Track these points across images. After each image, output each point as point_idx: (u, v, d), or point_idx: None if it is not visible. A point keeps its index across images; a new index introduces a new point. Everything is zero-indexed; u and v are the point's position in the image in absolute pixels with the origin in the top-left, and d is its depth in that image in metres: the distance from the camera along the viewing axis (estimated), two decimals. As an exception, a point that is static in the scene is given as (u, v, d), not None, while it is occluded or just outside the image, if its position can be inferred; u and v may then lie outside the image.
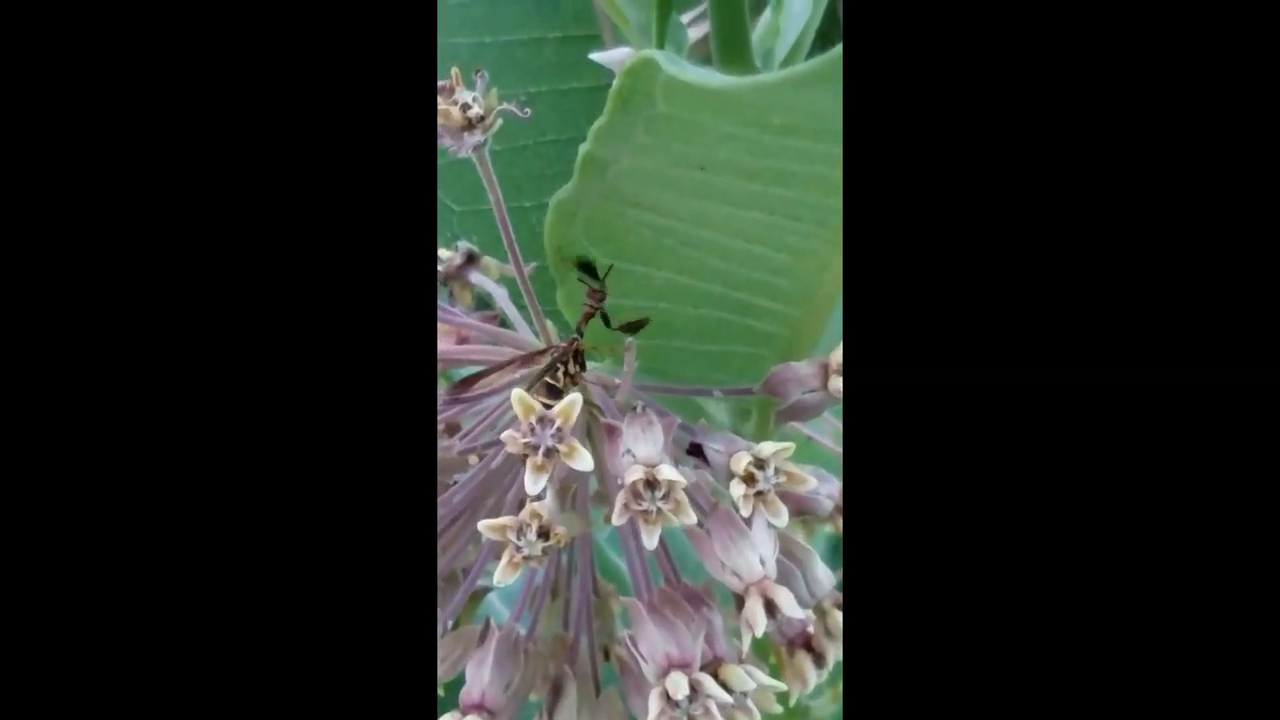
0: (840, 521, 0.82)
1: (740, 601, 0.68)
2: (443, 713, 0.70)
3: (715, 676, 0.67)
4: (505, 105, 0.74)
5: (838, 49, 0.59)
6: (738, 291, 0.77)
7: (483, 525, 0.66)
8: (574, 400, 0.66)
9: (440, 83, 0.72)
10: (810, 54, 0.84)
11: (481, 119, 0.73)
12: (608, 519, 0.69)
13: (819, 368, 0.73)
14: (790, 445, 0.67)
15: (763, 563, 0.68)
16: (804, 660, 0.79)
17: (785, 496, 0.68)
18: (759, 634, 0.66)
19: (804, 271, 0.76)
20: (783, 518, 0.68)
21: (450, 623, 0.75)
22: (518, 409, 0.66)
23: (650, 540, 0.66)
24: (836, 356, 0.72)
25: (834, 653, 0.79)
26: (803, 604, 0.70)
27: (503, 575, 0.66)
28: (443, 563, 0.73)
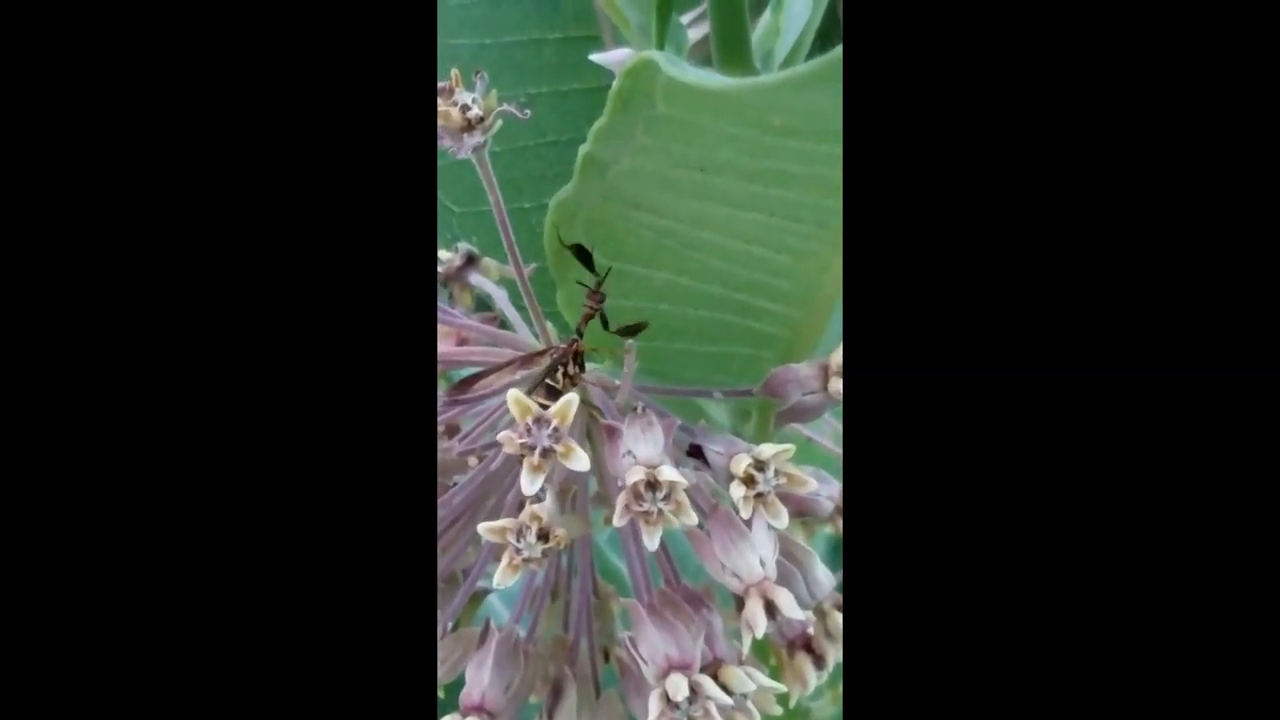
0: (840, 523, 0.82)
1: (740, 603, 0.68)
2: (443, 714, 0.70)
3: (715, 678, 0.67)
4: (505, 106, 0.74)
5: (838, 50, 0.59)
6: (738, 293, 0.77)
7: (482, 527, 0.66)
8: (570, 400, 0.66)
9: (440, 84, 0.72)
10: (810, 55, 0.84)
11: (481, 120, 0.73)
12: (608, 520, 0.69)
13: (819, 369, 0.73)
14: (790, 447, 0.67)
15: (763, 564, 0.67)
16: (804, 662, 0.79)
17: (785, 498, 0.68)
18: (759, 635, 0.66)
19: (804, 273, 0.76)
20: (783, 519, 0.68)
21: (450, 624, 0.75)
22: (514, 410, 0.66)
23: (651, 541, 0.66)
24: (836, 358, 0.72)
25: (834, 654, 0.79)
26: (803, 605, 0.70)
27: (502, 577, 0.66)
28: (442, 564, 0.73)
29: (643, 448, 0.67)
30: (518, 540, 0.66)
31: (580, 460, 0.65)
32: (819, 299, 0.77)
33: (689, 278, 0.76)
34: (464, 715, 0.70)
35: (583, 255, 0.72)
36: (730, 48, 0.81)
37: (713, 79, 0.67)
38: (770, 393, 0.74)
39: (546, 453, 0.65)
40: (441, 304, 0.80)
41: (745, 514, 0.67)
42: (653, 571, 0.72)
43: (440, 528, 0.72)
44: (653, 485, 0.66)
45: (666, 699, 0.66)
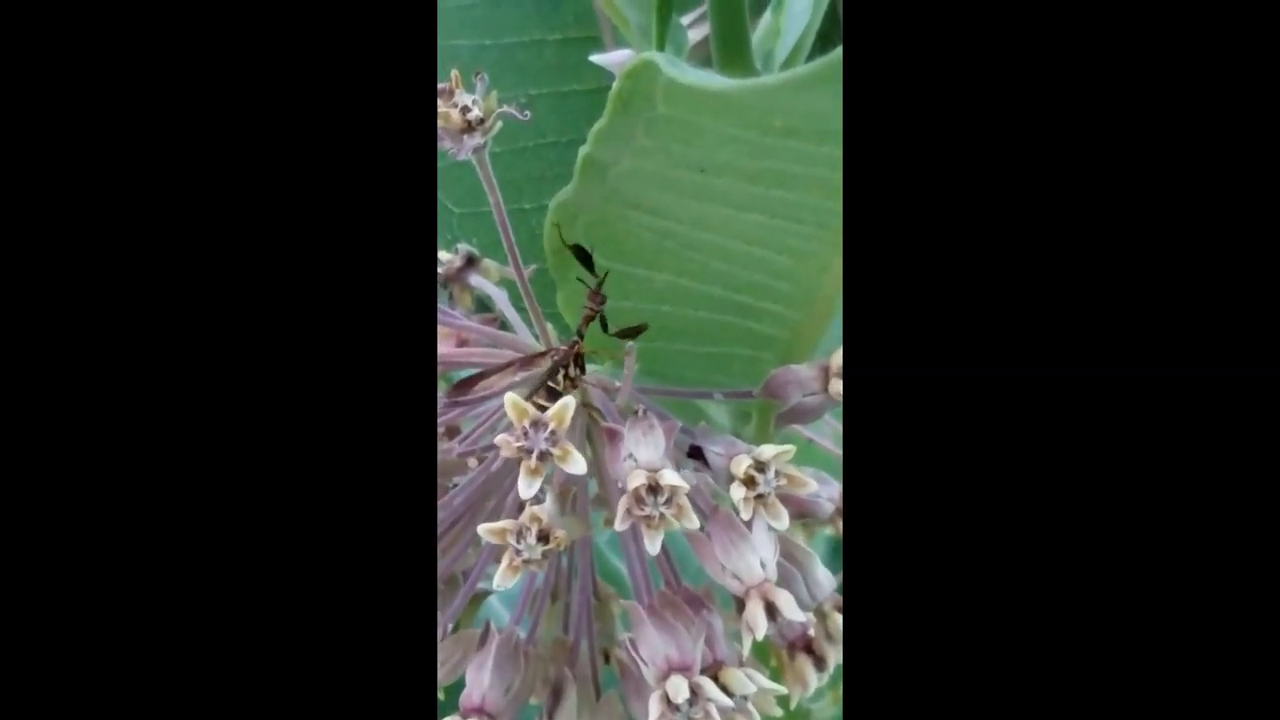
0: (841, 524, 0.81)
1: (741, 604, 0.68)
2: (443, 716, 0.70)
3: (715, 680, 0.67)
4: (505, 108, 0.74)
5: (838, 51, 0.59)
6: (738, 294, 0.77)
7: (482, 529, 0.66)
8: (567, 404, 0.66)
9: (440, 85, 0.72)
10: (810, 56, 0.84)
11: (481, 121, 0.73)
12: (608, 522, 0.69)
13: (819, 370, 0.73)
14: (790, 448, 0.67)
15: (763, 566, 0.67)
16: (804, 663, 0.79)
17: (786, 499, 0.68)
18: (759, 637, 0.66)
19: (804, 274, 0.76)
20: (783, 521, 0.68)
21: (450, 626, 0.75)
22: (511, 413, 0.65)
23: (653, 545, 0.66)
24: (837, 359, 0.72)
25: (834, 656, 0.79)
26: (803, 607, 0.70)
27: (502, 579, 0.66)
28: (443, 566, 0.73)
29: (644, 451, 0.67)
30: (518, 542, 0.66)
31: (577, 463, 0.65)
32: (819, 300, 0.77)
33: (689, 279, 0.76)
34: (464, 717, 0.70)
35: (583, 256, 0.72)
36: (730, 49, 0.80)
37: (713, 80, 0.67)
38: (770, 394, 0.74)
39: (544, 456, 0.65)
40: (441, 305, 0.80)
41: (746, 515, 0.67)
42: (653, 573, 0.72)
43: (440, 529, 0.72)
44: (654, 489, 0.66)
45: (667, 701, 0.66)
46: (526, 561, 0.66)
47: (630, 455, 0.67)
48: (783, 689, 0.71)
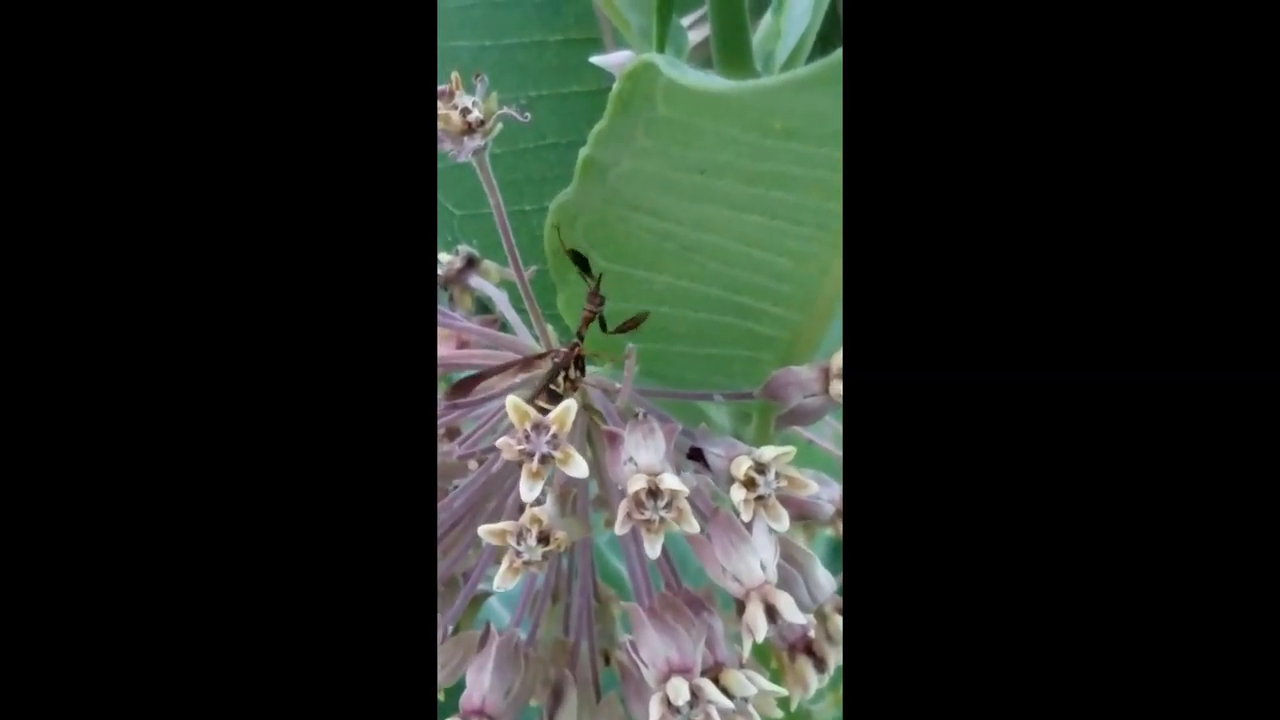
0: (841, 525, 0.81)
1: (741, 606, 0.68)
2: (443, 718, 0.70)
3: (716, 682, 0.67)
4: (505, 109, 0.74)
5: (838, 52, 0.59)
6: (738, 295, 0.77)
7: (483, 530, 0.66)
8: (568, 407, 0.66)
9: (440, 87, 0.72)
10: (811, 57, 0.84)
11: (481, 123, 0.73)
12: (608, 523, 0.69)
13: (820, 372, 0.73)
14: (791, 450, 0.67)
15: (763, 568, 0.67)
16: (805, 665, 0.79)
17: (786, 501, 0.68)
18: (760, 639, 0.66)
19: (805, 275, 0.76)
20: (784, 522, 0.67)
21: (450, 628, 0.74)
22: (513, 416, 0.65)
23: (653, 549, 0.66)
24: (837, 360, 0.72)
25: (835, 657, 0.79)
26: (804, 609, 0.70)
27: (503, 580, 0.66)
28: (443, 567, 0.73)
29: (644, 454, 0.67)
30: (518, 543, 0.66)
31: (579, 467, 0.65)
32: (819, 301, 0.77)
33: (689, 280, 0.76)
34: (464, 719, 0.70)
35: (579, 261, 0.72)
36: (731, 50, 0.81)
37: (713, 82, 0.67)
38: (771, 395, 0.74)
39: (545, 459, 0.65)
40: (442, 307, 0.80)
41: (746, 517, 0.67)
42: (653, 575, 0.72)
43: (440, 530, 0.72)
44: (654, 493, 0.66)
45: (667, 703, 0.66)
46: (527, 563, 0.66)
47: (631, 459, 0.67)
48: (783, 691, 0.71)
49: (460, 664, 0.73)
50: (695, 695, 0.66)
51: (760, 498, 0.67)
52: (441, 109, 0.72)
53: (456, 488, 0.74)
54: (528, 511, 0.66)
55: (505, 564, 0.66)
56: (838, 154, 0.65)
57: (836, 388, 0.72)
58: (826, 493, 0.75)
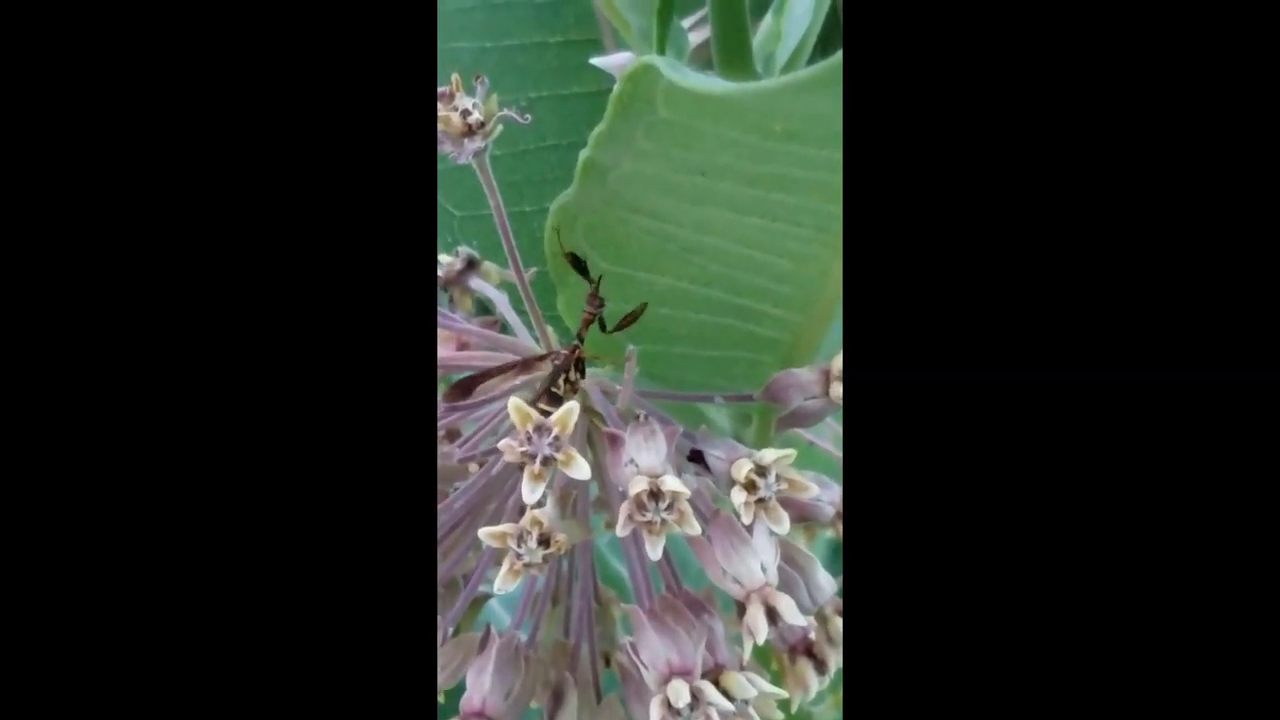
0: (841, 527, 0.81)
1: (741, 608, 0.67)
2: (443, 720, 0.70)
3: (716, 684, 0.67)
4: (505, 111, 0.74)
5: (838, 54, 0.59)
6: (739, 297, 0.77)
7: (483, 533, 0.66)
8: (570, 409, 0.66)
9: (440, 89, 0.72)
10: (811, 59, 0.84)
11: (482, 125, 0.73)
12: (609, 525, 0.69)
13: (820, 374, 0.73)
14: (791, 452, 0.67)
15: (764, 570, 0.67)
16: (805, 667, 0.79)
17: (787, 503, 0.68)
18: (760, 641, 0.66)
19: (805, 277, 0.76)
20: (784, 525, 0.67)
21: (451, 630, 0.74)
22: (515, 418, 0.65)
23: (655, 551, 0.66)
24: (837, 363, 0.72)
25: (835, 659, 0.79)
26: (804, 611, 0.70)
27: (503, 582, 0.66)
28: (443, 569, 0.73)
29: (645, 456, 0.67)
30: (518, 545, 0.66)
31: (581, 469, 0.65)
32: (820, 303, 0.77)
33: (690, 282, 0.76)
34: (464, 720, 0.70)
35: (577, 264, 0.72)
36: (731, 52, 0.81)
37: (714, 83, 0.66)
38: (771, 397, 0.74)
39: (547, 461, 0.65)
40: (442, 308, 0.80)
41: (746, 519, 0.67)
42: (654, 577, 0.72)
43: (441, 533, 0.72)
44: (655, 495, 0.66)
45: (668, 705, 0.66)
46: (527, 565, 0.66)
47: (632, 460, 0.67)
48: (784, 693, 0.71)
49: (460, 666, 0.73)
50: (696, 697, 0.66)
51: (761, 500, 0.67)
52: (442, 111, 0.72)
53: (457, 490, 0.74)
54: (528, 514, 0.66)
55: (506, 566, 0.66)
56: (838, 156, 0.65)
57: (837, 390, 0.72)
58: (827, 495, 0.75)
